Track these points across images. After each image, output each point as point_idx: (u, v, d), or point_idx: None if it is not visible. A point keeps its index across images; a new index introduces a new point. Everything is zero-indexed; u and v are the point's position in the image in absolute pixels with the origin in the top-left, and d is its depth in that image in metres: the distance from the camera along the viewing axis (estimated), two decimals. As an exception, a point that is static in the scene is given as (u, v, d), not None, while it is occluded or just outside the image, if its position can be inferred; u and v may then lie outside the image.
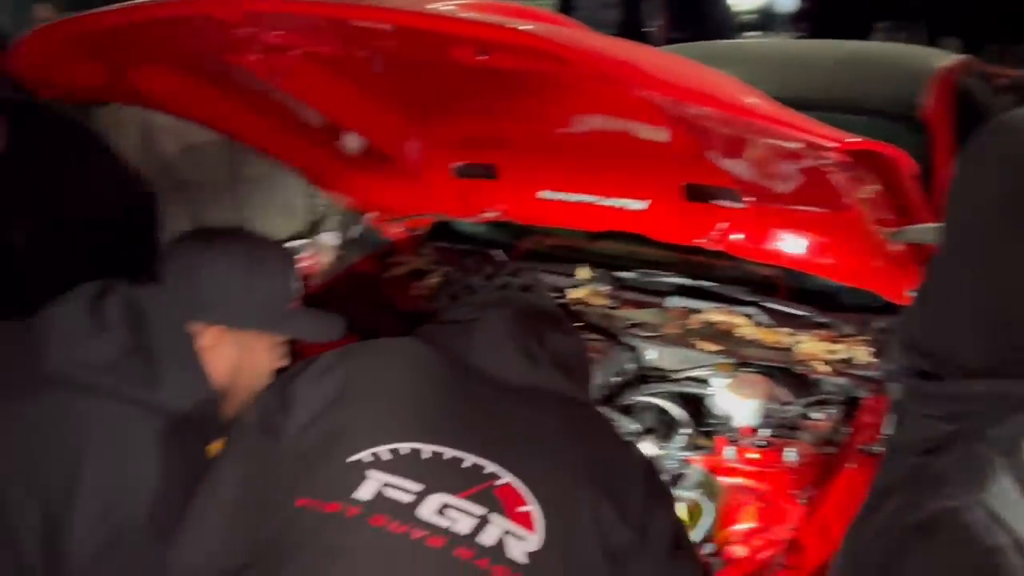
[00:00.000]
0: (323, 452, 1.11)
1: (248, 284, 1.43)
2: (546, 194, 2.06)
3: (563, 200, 2.04)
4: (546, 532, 1.05)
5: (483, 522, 1.04)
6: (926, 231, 1.24)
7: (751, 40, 5.68)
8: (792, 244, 1.79)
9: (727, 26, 6.91)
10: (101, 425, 1.24)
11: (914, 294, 0.83)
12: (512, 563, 1.02)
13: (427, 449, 1.11)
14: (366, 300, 2.31)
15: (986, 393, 0.73)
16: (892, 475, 0.81)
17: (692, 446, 1.80)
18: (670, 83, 1.06)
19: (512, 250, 2.42)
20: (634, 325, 2.07)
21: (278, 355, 1.52)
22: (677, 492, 1.63)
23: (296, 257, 2.20)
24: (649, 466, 1.28)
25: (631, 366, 2.05)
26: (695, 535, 1.55)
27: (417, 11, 1.13)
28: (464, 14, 1.14)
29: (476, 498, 1.07)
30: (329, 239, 2.72)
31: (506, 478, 1.09)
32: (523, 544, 1.04)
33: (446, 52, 1.23)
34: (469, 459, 1.10)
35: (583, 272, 2.24)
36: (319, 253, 2.47)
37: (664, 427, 1.88)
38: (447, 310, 1.43)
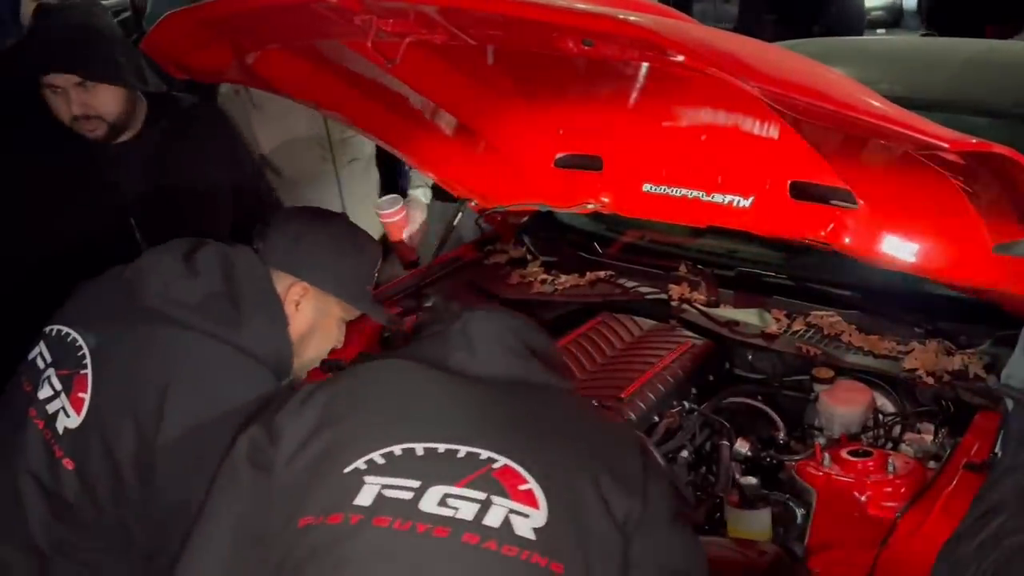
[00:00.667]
0: (317, 472, 1.12)
1: (341, 256, 1.58)
2: (650, 187, 2.05)
3: (667, 194, 2.02)
4: (548, 507, 1.06)
5: (486, 505, 1.05)
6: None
7: (875, 38, 5.46)
8: (904, 248, 1.72)
9: (858, 22, 6.66)
10: (188, 356, 1.39)
11: None
12: (521, 540, 1.02)
13: (420, 447, 1.11)
14: (465, 286, 2.35)
15: None
16: (999, 494, 0.78)
17: (788, 450, 1.77)
18: (773, 77, 1.03)
19: (612, 243, 2.42)
20: (735, 324, 2.04)
21: (341, 333, 1.66)
22: (771, 495, 1.61)
23: (390, 211, 2.36)
24: (643, 442, 1.32)
25: (728, 366, 2.02)
26: (785, 537, 1.53)
27: (519, 1, 1.14)
28: (570, 3, 1.15)
29: (476, 484, 1.07)
30: (420, 195, 2.77)
31: (503, 460, 1.09)
32: (529, 521, 1.04)
33: (552, 41, 1.24)
34: (463, 449, 1.11)
35: (683, 268, 2.21)
36: (411, 210, 2.53)
37: (761, 429, 1.85)
38: (423, 327, 1.44)
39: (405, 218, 2.45)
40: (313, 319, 1.57)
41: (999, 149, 1.11)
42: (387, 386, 1.24)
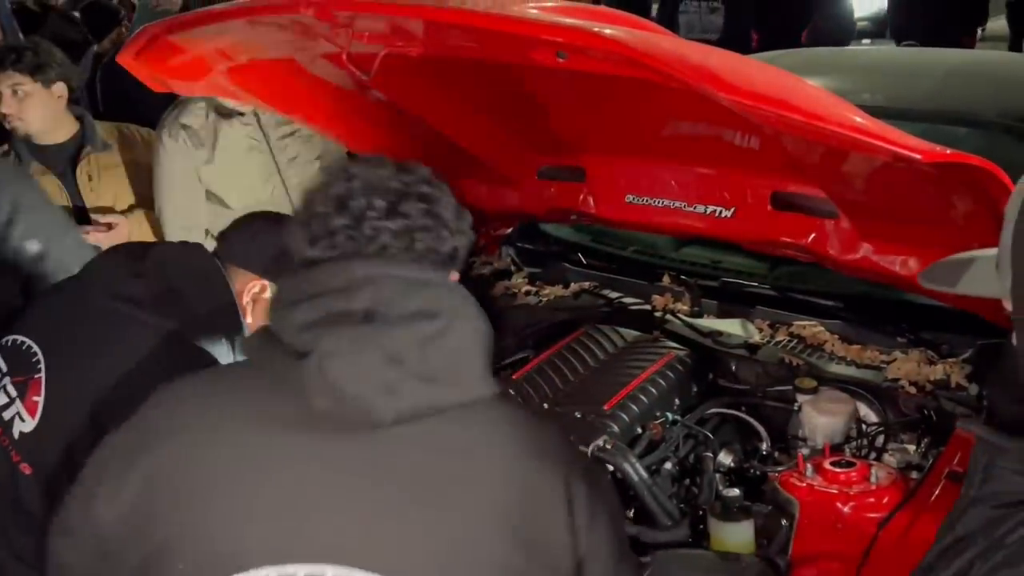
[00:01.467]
0: None
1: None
2: (633, 198, 2.05)
3: (650, 205, 2.02)
4: None
5: None
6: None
7: (858, 48, 5.50)
8: (885, 258, 1.72)
9: (846, 32, 6.73)
10: (139, 349, 1.42)
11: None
12: None
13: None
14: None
15: None
16: (966, 527, 0.77)
17: (771, 461, 1.76)
18: (743, 90, 1.03)
19: (596, 254, 2.42)
20: (718, 335, 2.03)
21: None
22: (754, 507, 1.60)
23: None
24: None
25: (712, 377, 2.02)
26: (769, 550, 1.52)
27: (493, 13, 1.14)
28: (539, 16, 1.15)
29: None
30: None
31: None
32: None
33: (526, 54, 1.24)
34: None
35: (666, 279, 2.21)
36: None
37: (743, 440, 1.84)
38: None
39: None
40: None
41: (973, 160, 1.11)
42: (236, 472, 1.01)
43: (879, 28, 9.21)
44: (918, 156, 1.05)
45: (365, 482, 0.99)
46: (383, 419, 0.97)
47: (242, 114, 2.57)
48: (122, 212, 2.70)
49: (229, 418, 1.04)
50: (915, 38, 5.97)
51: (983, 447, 0.81)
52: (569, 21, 1.13)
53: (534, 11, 1.17)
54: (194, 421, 1.06)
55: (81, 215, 2.65)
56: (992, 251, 0.90)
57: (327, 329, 0.99)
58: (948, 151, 1.09)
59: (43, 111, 2.59)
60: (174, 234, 2.59)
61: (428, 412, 0.99)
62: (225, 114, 2.57)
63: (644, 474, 1.61)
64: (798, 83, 1.17)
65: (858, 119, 1.07)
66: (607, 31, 1.09)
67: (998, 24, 8.61)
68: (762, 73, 1.17)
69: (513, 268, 2.44)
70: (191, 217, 2.60)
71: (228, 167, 2.58)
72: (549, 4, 1.32)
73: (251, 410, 1.04)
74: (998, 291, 0.90)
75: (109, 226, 2.62)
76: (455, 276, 1.12)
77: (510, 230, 2.51)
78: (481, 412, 1.03)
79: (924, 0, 6.31)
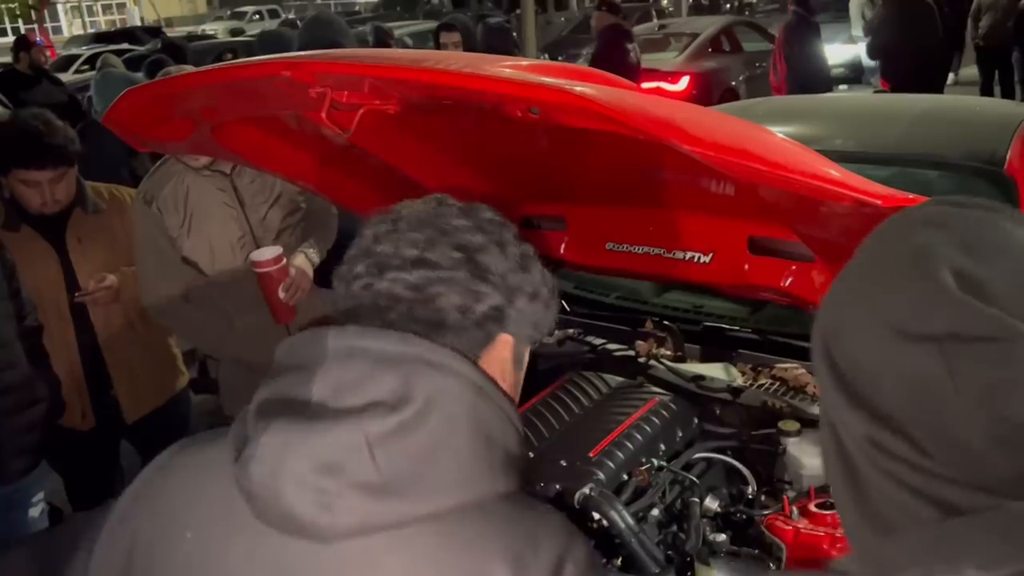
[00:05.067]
0: None
1: None
2: (613, 246, 2.08)
3: (630, 251, 2.05)
4: None
5: None
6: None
7: (829, 96, 5.64)
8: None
9: (822, 79, 6.90)
10: None
11: None
12: None
13: None
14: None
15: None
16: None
17: (758, 504, 1.76)
18: (706, 142, 1.06)
19: (579, 301, 2.44)
20: (701, 379, 2.04)
21: None
22: (741, 551, 1.59)
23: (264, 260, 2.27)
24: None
25: (697, 421, 2.02)
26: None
27: (467, 73, 1.17)
28: (512, 75, 1.18)
29: None
30: (315, 255, 2.62)
31: None
32: None
33: (499, 110, 1.27)
34: None
35: (649, 325, 2.23)
36: (294, 265, 2.43)
37: (730, 484, 1.84)
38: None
39: (283, 270, 2.31)
40: None
41: (934, 204, 1.14)
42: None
43: (855, 74, 9.43)
44: (878, 201, 1.08)
45: None
46: (323, 535, 0.81)
47: (222, 173, 2.56)
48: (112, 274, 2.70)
49: (204, 496, 0.91)
50: (896, 81, 6.15)
51: None
52: (540, 79, 1.17)
53: (507, 71, 1.21)
54: (177, 491, 0.94)
55: (70, 279, 2.66)
56: None
57: (269, 421, 0.83)
58: (909, 195, 1.12)
59: (69, 188, 2.62)
60: (149, 299, 2.58)
61: (384, 527, 0.81)
62: (198, 180, 2.54)
63: (631, 521, 1.61)
64: (761, 133, 1.20)
65: (820, 166, 1.10)
66: (577, 88, 1.12)
67: (970, 71, 8.87)
68: (726, 125, 1.21)
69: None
70: (169, 282, 2.57)
71: (201, 233, 2.55)
72: (525, 63, 1.36)
73: (222, 489, 0.87)
74: None
75: (100, 289, 2.63)
76: (504, 339, 0.94)
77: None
78: (455, 524, 0.83)
79: (900, 49, 6.50)
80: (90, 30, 31.25)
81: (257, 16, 29.41)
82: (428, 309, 0.89)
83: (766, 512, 1.69)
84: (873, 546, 0.68)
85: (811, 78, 6.57)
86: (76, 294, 2.64)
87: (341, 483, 0.80)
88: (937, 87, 6.36)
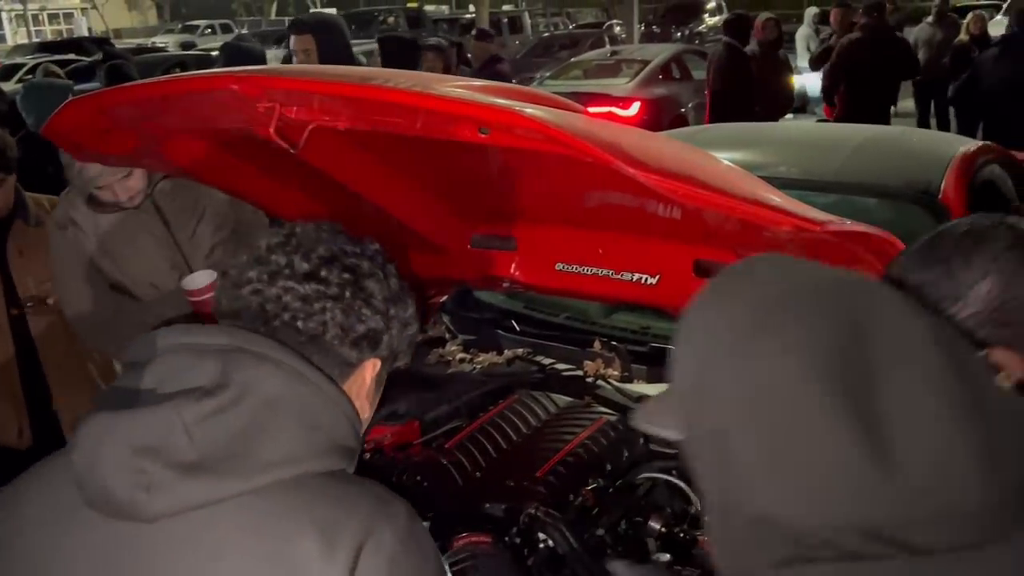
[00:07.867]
0: None
1: None
2: (563, 266, 2.09)
3: (579, 272, 2.07)
4: None
5: None
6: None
7: (775, 124, 5.79)
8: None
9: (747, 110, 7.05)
10: None
11: None
12: None
13: None
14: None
15: None
16: None
17: (704, 524, 1.77)
18: (648, 167, 1.08)
19: (529, 321, 2.45)
20: (647, 399, 2.06)
21: None
22: (684, 571, 1.60)
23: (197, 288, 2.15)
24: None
25: (643, 441, 2.03)
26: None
27: (416, 92, 1.18)
28: (461, 95, 1.19)
29: None
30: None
31: None
32: None
33: (449, 129, 1.28)
34: None
35: (597, 345, 2.24)
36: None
37: (675, 504, 1.85)
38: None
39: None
40: None
41: (870, 231, 1.17)
42: None
43: (801, 102, 9.68)
44: (817, 228, 1.11)
45: None
46: (144, 515, 0.85)
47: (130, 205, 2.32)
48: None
49: (51, 492, 0.96)
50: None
51: None
52: (490, 100, 1.18)
53: (457, 90, 1.22)
54: (24, 492, 1.00)
55: (10, 291, 2.59)
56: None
57: (95, 412, 0.88)
58: (848, 222, 1.15)
59: (7, 197, 2.54)
60: (77, 327, 2.47)
61: (202, 504, 0.86)
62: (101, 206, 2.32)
63: (574, 542, 1.61)
64: (706, 159, 1.23)
65: (761, 193, 1.13)
66: (527, 110, 1.13)
67: (908, 103, 9.18)
68: (671, 150, 1.23)
69: (448, 336, 2.45)
70: (97, 309, 2.41)
71: (126, 258, 2.39)
72: (476, 83, 1.37)
73: (67, 483, 0.91)
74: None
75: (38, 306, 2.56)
76: (374, 362, 1.01)
77: (445, 298, 2.53)
78: (268, 498, 0.87)
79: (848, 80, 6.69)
80: (35, 39, 30.55)
81: (209, 30, 29.09)
82: (312, 322, 0.95)
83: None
84: None
85: (736, 108, 6.61)
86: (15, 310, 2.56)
87: (158, 464, 0.85)
88: (883, 119, 6.56)
